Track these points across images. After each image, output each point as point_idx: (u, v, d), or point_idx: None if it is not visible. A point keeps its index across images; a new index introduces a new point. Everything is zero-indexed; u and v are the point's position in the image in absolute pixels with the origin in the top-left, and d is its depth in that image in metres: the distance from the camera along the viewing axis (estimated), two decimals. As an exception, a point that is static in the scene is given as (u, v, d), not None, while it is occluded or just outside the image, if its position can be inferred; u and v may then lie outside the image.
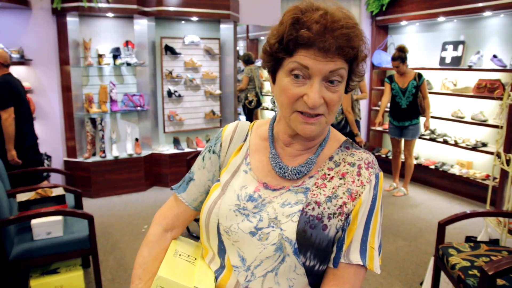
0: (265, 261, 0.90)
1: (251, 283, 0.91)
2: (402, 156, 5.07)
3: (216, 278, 0.96)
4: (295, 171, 0.96)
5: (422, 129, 4.92)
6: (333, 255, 0.90)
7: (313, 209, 0.90)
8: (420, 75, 4.62)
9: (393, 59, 4.59)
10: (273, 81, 0.94)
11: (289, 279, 0.90)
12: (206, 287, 0.92)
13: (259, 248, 0.90)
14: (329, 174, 0.95)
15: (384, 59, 5.82)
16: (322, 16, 0.83)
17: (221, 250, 0.96)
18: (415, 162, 5.43)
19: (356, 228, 0.90)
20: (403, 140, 4.89)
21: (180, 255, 1.02)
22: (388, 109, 5.22)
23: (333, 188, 0.93)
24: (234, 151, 1.06)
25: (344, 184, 0.93)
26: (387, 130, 5.13)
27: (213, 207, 0.97)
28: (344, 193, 0.92)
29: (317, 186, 0.94)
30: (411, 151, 4.84)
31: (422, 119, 4.82)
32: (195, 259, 1.03)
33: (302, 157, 0.98)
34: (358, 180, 0.93)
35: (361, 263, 0.89)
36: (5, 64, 3.55)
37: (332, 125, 1.01)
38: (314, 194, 0.93)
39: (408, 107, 4.68)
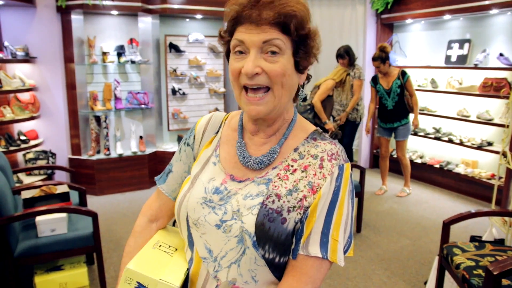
0: (229, 252, 0.92)
1: (218, 273, 0.93)
2: (399, 157, 5.02)
3: (190, 268, 0.98)
4: (257, 161, 0.97)
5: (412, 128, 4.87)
6: (292, 247, 0.91)
7: (273, 202, 0.91)
8: (404, 73, 4.54)
9: (373, 59, 4.51)
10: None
11: (251, 271, 0.91)
12: (172, 279, 0.93)
13: (224, 240, 0.92)
14: (292, 166, 0.95)
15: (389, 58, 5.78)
16: None
17: (190, 242, 0.99)
18: (419, 161, 5.42)
19: (316, 221, 0.90)
20: (393, 140, 4.84)
21: (160, 246, 1.05)
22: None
23: (295, 181, 0.93)
24: (205, 144, 1.08)
25: (306, 177, 0.93)
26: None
27: (183, 200, 0.99)
28: (305, 186, 0.92)
29: (279, 178, 0.94)
30: (404, 152, 4.78)
31: (412, 118, 4.79)
32: (176, 249, 1.05)
33: (266, 146, 0.99)
34: (320, 173, 0.92)
35: (320, 255, 0.88)
36: None
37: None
38: (275, 186, 0.93)
39: (395, 108, 4.61)
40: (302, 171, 0.93)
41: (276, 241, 0.89)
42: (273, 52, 0.88)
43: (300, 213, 0.90)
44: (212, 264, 0.94)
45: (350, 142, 5.14)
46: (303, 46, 0.92)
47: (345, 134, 5.09)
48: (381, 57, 4.45)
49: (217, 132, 1.08)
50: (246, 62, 0.88)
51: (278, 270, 0.93)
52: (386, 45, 4.48)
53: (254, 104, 0.90)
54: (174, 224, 1.19)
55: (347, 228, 0.93)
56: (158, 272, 0.94)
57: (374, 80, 4.70)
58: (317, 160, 0.94)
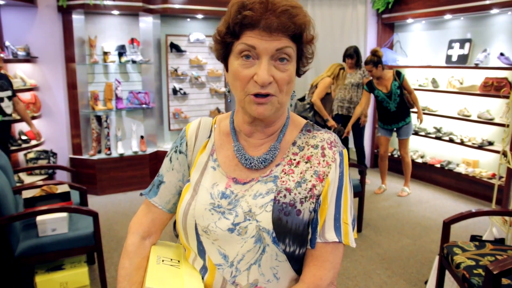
0: (246, 254, 0.91)
1: (237, 278, 0.92)
2: (402, 155, 5.01)
3: (202, 278, 0.96)
4: (260, 159, 0.97)
5: (416, 123, 4.89)
6: (309, 237, 0.93)
7: (285, 196, 0.92)
8: (398, 73, 4.54)
9: (366, 63, 4.47)
10: (226, 68, 0.96)
11: (272, 268, 0.92)
12: None
13: (240, 242, 0.91)
14: (294, 159, 0.97)
15: (390, 57, 5.79)
16: None
17: (201, 251, 0.97)
18: (420, 160, 5.42)
19: (328, 207, 0.93)
20: (393, 140, 4.84)
21: (163, 260, 1.01)
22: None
23: (301, 172, 0.95)
24: (200, 149, 1.06)
25: (311, 167, 0.95)
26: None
27: (188, 209, 0.97)
28: (312, 176, 0.94)
29: (285, 173, 0.95)
30: (407, 150, 4.79)
31: (413, 116, 4.82)
32: (178, 261, 1.02)
33: (265, 146, 1.00)
34: (324, 160, 0.95)
35: (337, 240, 0.92)
36: None
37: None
38: (283, 181, 0.94)
39: (398, 109, 4.61)
40: (306, 162, 0.96)
41: (295, 233, 0.91)
42: (282, 59, 0.88)
43: (313, 202, 0.92)
44: (228, 270, 0.92)
45: (362, 142, 5.20)
46: (306, 52, 0.94)
47: (356, 136, 5.14)
48: (373, 61, 4.41)
49: (209, 137, 1.07)
50: (260, 71, 0.86)
51: (297, 264, 0.95)
52: (378, 49, 4.46)
53: (260, 104, 0.89)
54: (174, 228, 1.18)
55: (352, 210, 0.97)
56: (177, 285, 0.92)
57: (370, 86, 4.65)
58: (318, 149, 0.97)
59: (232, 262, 0.92)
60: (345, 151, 0.99)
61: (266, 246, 0.90)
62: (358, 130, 5.08)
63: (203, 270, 0.96)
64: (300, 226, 0.91)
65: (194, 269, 0.99)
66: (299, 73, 0.97)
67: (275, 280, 0.93)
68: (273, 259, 0.91)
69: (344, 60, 4.96)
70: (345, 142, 4.96)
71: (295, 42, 0.90)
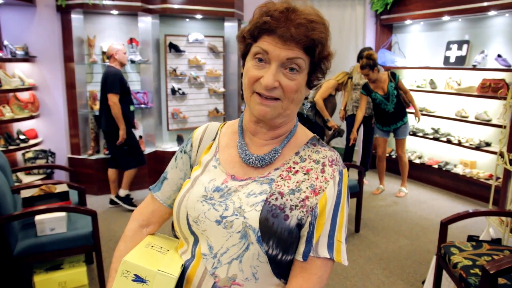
0: (231, 248, 0.94)
1: (217, 270, 0.94)
2: (399, 155, 5.02)
3: (186, 268, 0.99)
4: (258, 158, 1.00)
5: (413, 122, 5.00)
6: (302, 249, 0.94)
7: (276, 199, 0.94)
8: (393, 74, 4.57)
9: (362, 67, 4.46)
10: (243, 66, 1.00)
11: (253, 267, 0.93)
12: (170, 271, 0.93)
13: (225, 236, 0.94)
14: (294, 168, 1.00)
15: (388, 58, 5.81)
16: (286, 8, 0.91)
17: (195, 240, 1.00)
18: (418, 161, 5.43)
19: (324, 223, 0.94)
20: (391, 141, 4.87)
21: (152, 246, 1.05)
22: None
23: (297, 182, 0.97)
24: (204, 150, 1.11)
25: (308, 179, 0.97)
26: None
27: (182, 200, 1.01)
28: (307, 188, 0.96)
29: (281, 178, 0.98)
30: (404, 149, 4.84)
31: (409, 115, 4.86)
32: (167, 250, 1.05)
33: (267, 147, 1.03)
34: (322, 176, 0.97)
35: (328, 256, 0.93)
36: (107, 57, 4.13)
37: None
38: (278, 185, 0.97)
39: (396, 110, 4.63)
40: (304, 174, 0.98)
41: (280, 237, 0.92)
42: (292, 69, 0.92)
43: (303, 211, 0.93)
44: (211, 261, 0.95)
45: (371, 143, 5.32)
46: (319, 67, 0.97)
47: (366, 135, 5.27)
48: (369, 65, 4.41)
49: (214, 139, 1.11)
50: (267, 75, 0.91)
51: (279, 269, 0.95)
52: (373, 52, 4.48)
53: (263, 105, 0.94)
54: (172, 227, 1.20)
55: (346, 229, 0.99)
56: (155, 264, 0.94)
57: (367, 89, 4.64)
58: (319, 165, 0.99)
59: (216, 254, 0.95)
60: (345, 170, 1.01)
61: (250, 244, 0.92)
62: (370, 129, 5.17)
63: (191, 258, 0.99)
64: (285, 232, 0.92)
65: (179, 258, 1.02)
66: (310, 85, 1.00)
67: (254, 279, 0.94)
68: (254, 258, 0.93)
69: (358, 61, 5.00)
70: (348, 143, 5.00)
71: (309, 54, 0.93)
